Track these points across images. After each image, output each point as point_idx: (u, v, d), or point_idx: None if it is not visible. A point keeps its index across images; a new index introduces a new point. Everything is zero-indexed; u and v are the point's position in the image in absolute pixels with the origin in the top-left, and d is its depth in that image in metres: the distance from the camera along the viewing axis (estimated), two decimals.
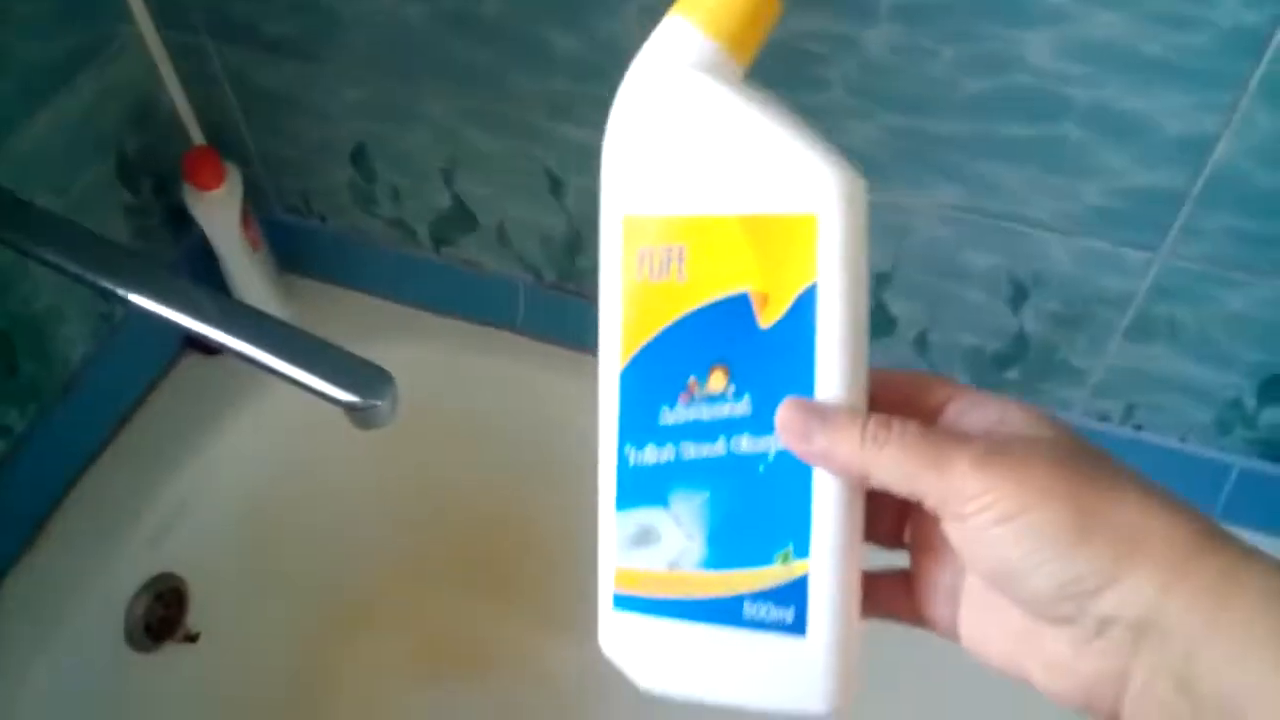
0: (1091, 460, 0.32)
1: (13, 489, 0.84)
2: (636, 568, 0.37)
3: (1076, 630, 0.31)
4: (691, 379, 0.36)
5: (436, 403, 0.99)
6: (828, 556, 0.35)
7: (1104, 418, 0.85)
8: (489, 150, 0.85)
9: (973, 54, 0.66)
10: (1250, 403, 0.79)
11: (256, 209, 0.94)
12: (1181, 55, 0.62)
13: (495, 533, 1.11)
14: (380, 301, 1.03)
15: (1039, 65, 0.65)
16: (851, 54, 0.68)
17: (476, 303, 0.99)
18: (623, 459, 0.37)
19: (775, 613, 0.36)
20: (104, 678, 0.88)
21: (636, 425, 0.37)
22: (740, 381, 0.35)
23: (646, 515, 0.37)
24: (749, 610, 0.36)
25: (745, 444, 0.35)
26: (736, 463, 0.36)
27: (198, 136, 0.94)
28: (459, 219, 0.92)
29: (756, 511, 0.36)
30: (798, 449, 0.34)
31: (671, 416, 0.36)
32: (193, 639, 0.95)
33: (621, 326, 0.37)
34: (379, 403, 0.54)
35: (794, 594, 0.35)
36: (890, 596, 0.38)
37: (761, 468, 0.35)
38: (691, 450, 0.36)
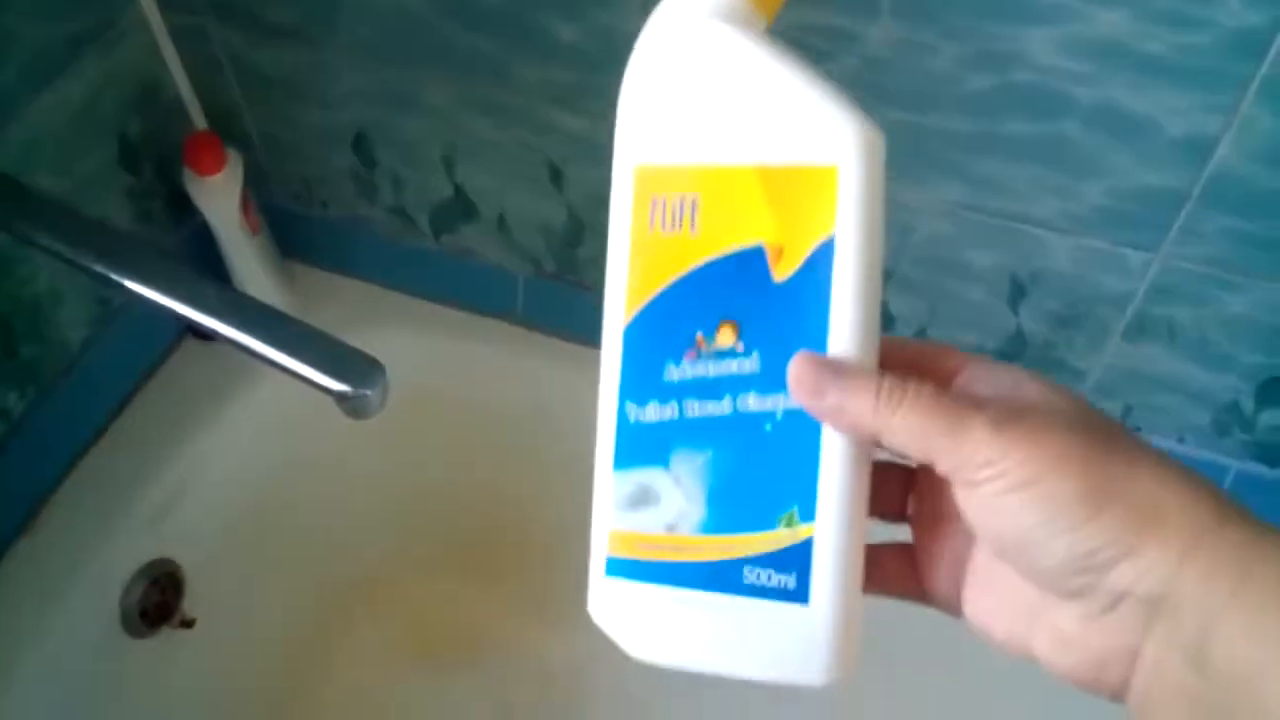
0: (1108, 431, 0.32)
1: (10, 472, 0.85)
2: (632, 529, 0.36)
3: (1087, 604, 0.31)
4: (699, 334, 0.35)
5: (435, 392, 0.99)
6: (834, 520, 0.34)
7: None
8: (490, 139, 0.84)
9: (975, 51, 0.65)
10: (1248, 405, 0.79)
11: (258, 194, 0.94)
12: (1184, 55, 0.61)
13: (492, 522, 1.11)
14: (379, 289, 1.03)
15: (1041, 63, 0.64)
16: (853, 49, 0.68)
17: (476, 292, 0.99)
18: (623, 417, 0.36)
19: (776, 578, 0.34)
20: (99, 662, 0.88)
21: (639, 382, 0.36)
22: (750, 337, 0.34)
23: (645, 476, 0.36)
24: (749, 575, 0.34)
25: (752, 402, 0.34)
26: (742, 422, 0.34)
27: (200, 121, 0.94)
28: (459, 208, 0.92)
29: (761, 473, 0.34)
30: (809, 405, 0.33)
31: (676, 373, 0.35)
32: (188, 625, 0.95)
33: (628, 280, 0.36)
34: (368, 392, 0.54)
35: (797, 559, 0.34)
36: (890, 570, 0.37)
37: (768, 427, 0.34)
38: (696, 408, 0.35)
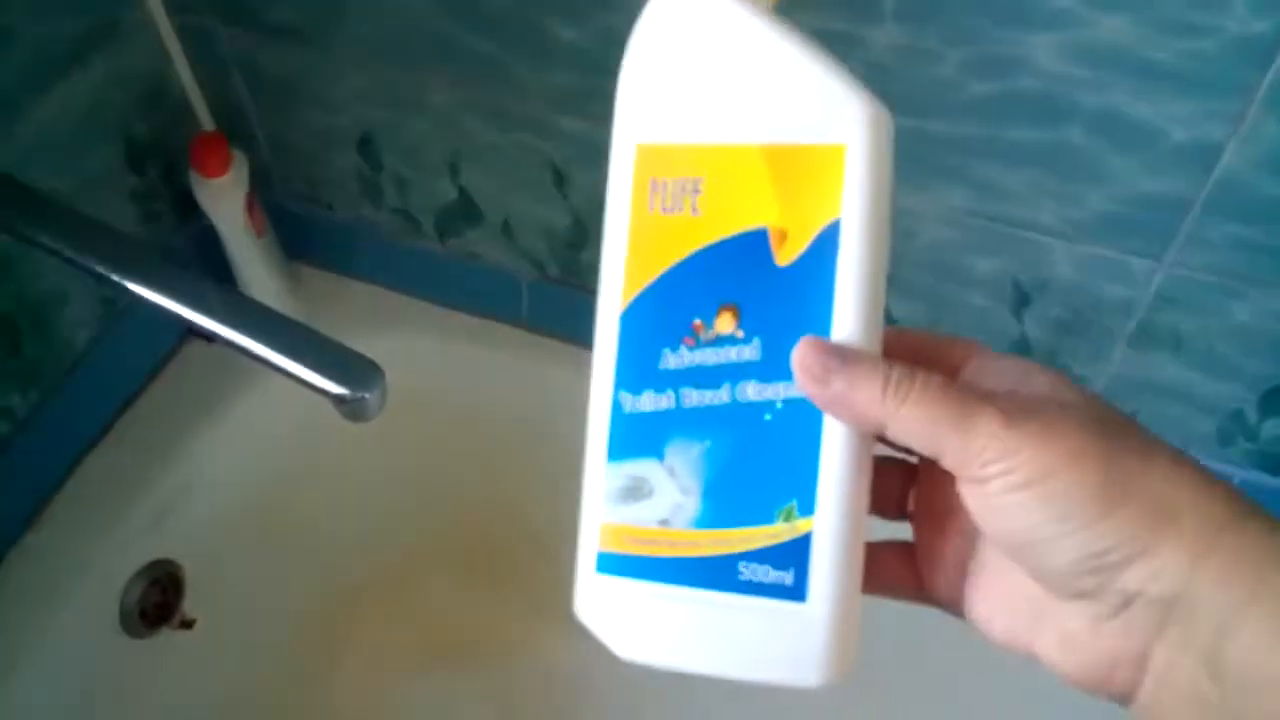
0: (1120, 427, 0.31)
1: (13, 471, 0.85)
2: (624, 524, 0.34)
3: (1096, 605, 0.30)
4: (697, 321, 0.34)
5: (438, 395, 0.99)
6: (834, 514, 0.32)
7: None
8: (493, 143, 0.85)
9: (978, 56, 0.65)
10: (1252, 415, 0.78)
11: (264, 195, 0.94)
12: (1189, 62, 0.61)
13: (494, 524, 1.11)
14: (384, 292, 1.03)
15: (1045, 69, 0.64)
16: (856, 54, 0.67)
17: (480, 295, 0.99)
18: (617, 406, 0.34)
19: (774, 574, 0.33)
20: (99, 662, 0.88)
21: (634, 370, 0.34)
22: (750, 324, 0.33)
23: (639, 467, 0.34)
24: (745, 571, 0.33)
25: (751, 391, 0.33)
26: (741, 411, 0.33)
27: (206, 122, 0.94)
28: (464, 211, 0.92)
29: (759, 464, 0.33)
30: (813, 392, 0.32)
31: (673, 361, 0.34)
32: (189, 625, 0.95)
33: (625, 264, 0.34)
34: (367, 395, 0.54)
35: (795, 554, 0.33)
36: (889, 569, 0.36)
37: (768, 416, 0.33)
38: (693, 397, 0.33)
